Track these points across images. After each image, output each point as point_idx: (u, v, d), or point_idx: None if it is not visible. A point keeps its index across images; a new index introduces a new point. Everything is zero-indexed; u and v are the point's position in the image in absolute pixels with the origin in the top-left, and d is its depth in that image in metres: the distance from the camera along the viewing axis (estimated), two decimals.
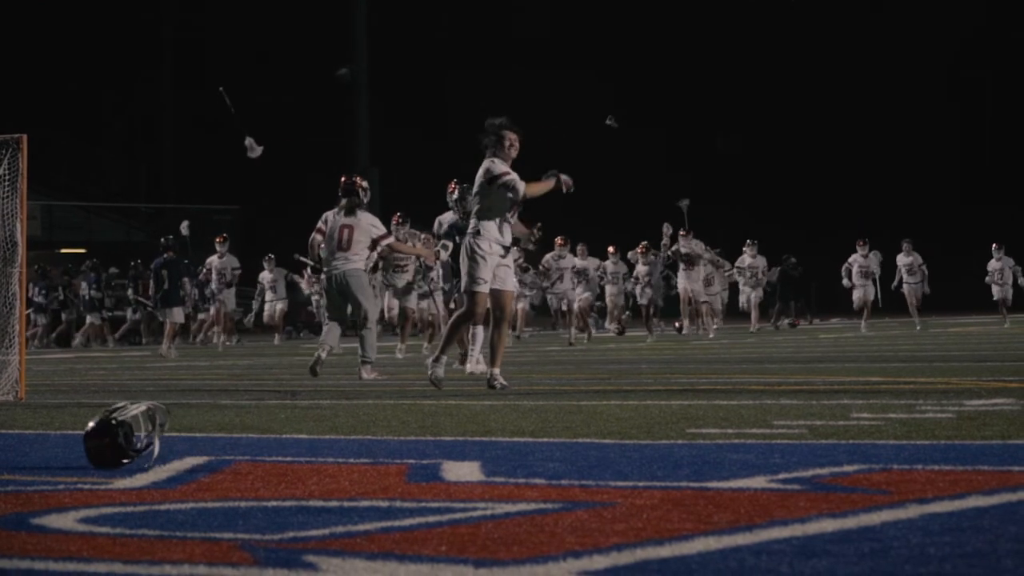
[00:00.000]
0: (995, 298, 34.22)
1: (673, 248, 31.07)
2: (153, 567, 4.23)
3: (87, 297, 35.82)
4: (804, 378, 13.65)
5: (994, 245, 34.32)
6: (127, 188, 60.57)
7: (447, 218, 17.88)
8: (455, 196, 17.60)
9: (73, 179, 57.11)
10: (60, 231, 53.16)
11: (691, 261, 31.14)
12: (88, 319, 36.09)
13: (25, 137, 13.08)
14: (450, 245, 17.44)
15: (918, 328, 31.59)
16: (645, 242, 31.62)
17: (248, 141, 19.96)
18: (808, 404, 9.87)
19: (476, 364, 16.07)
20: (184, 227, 30.90)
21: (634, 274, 31.75)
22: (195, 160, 60.58)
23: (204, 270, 32.04)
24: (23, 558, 4.42)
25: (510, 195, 12.77)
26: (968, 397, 10.10)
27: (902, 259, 33.24)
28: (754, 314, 34.89)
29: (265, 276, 34.50)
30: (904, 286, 33.08)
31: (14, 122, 18.07)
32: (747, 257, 35.27)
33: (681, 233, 31.15)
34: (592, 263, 32.59)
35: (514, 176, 12.77)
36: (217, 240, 31.52)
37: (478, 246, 12.88)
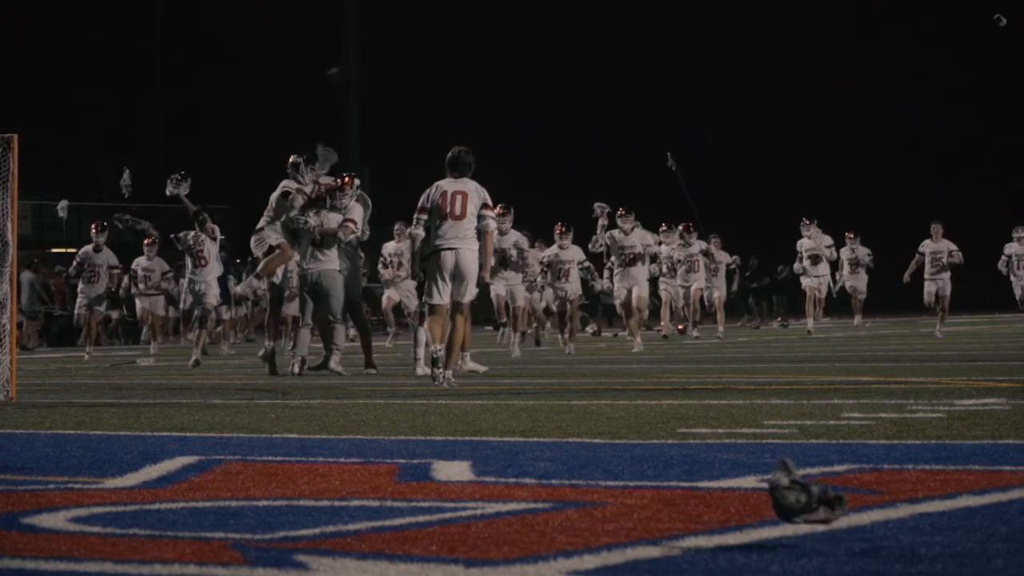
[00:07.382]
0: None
1: (609, 234, 23.90)
2: (144, 566, 4.22)
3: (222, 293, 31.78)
4: (794, 378, 13.65)
5: (1018, 228, 31.67)
6: (118, 188, 60.43)
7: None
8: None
9: (64, 179, 57.03)
10: (51, 231, 53.03)
11: (635, 257, 23.80)
12: (225, 315, 30.56)
13: (16, 137, 13.06)
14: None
15: (938, 335, 25.77)
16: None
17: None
18: (799, 404, 9.88)
19: (423, 367, 16.05)
20: (62, 207, 27.72)
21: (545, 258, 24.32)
22: (186, 160, 60.53)
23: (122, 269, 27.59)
24: (14, 557, 4.41)
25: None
26: (959, 397, 10.11)
27: (929, 246, 27.95)
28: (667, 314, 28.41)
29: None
30: (926, 281, 27.74)
31: (5, 122, 18.04)
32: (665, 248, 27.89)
33: (620, 213, 23.75)
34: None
35: None
36: (145, 243, 27.29)
37: None
